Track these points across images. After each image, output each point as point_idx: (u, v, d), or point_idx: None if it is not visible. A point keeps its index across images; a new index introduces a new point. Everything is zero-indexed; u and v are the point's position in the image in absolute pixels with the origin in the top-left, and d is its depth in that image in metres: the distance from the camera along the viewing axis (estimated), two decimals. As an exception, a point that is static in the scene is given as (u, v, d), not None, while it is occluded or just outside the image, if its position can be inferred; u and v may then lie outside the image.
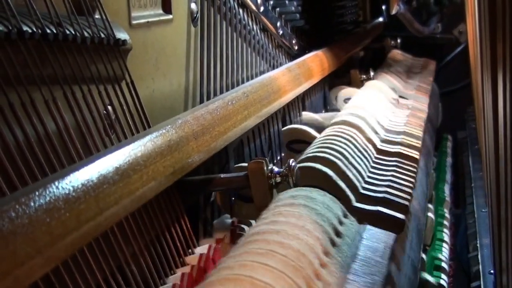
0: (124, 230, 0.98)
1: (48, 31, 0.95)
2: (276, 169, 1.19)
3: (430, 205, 2.17)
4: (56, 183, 0.73)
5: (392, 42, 3.54)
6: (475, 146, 3.02)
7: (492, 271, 1.94)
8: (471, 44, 2.63)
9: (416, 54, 3.55)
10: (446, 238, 2.14)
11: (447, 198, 2.51)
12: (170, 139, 1.02)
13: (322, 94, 2.47)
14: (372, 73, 2.51)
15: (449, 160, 3.08)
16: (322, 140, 1.52)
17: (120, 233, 0.97)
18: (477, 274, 2.03)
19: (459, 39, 3.93)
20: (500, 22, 1.36)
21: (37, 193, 0.69)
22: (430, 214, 2.01)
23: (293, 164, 1.20)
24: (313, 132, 1.79)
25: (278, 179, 1.19)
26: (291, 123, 1.95)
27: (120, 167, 0.86)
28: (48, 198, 0.70)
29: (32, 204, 0.67)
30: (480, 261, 2.07)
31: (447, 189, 2.64)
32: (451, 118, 3.43)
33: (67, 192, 0.73)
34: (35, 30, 0.93)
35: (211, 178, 1.23)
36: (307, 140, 1.74)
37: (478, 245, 2.18)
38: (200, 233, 1.29)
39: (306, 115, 2.06)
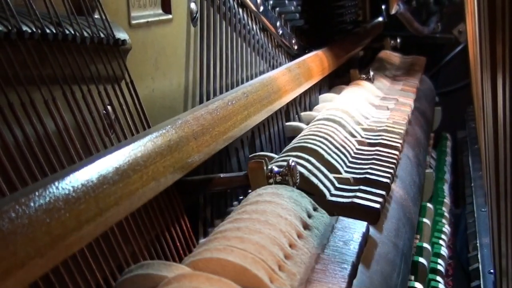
0: (124, 230, 0.98)
1: (48, 31, 0.96)
2: (276, 168, 1.19)
3: (429, 204, 2.18)
4: (56, 183, 0.73)
5: (392, 42, 3.54)
6: (475, 146, 3.02)
7: (491, 271, 1.94)
8: (471, 44, 2.63)
9: (415, 54, 3.55)
10: (445, 236, 2.14)
11: (447, 198, 2.51)
12: (170, 139, 1.02)
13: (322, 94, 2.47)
14: (371, 73, 2.51)
15: (448, 159, 3.08)
16: (299, 138, 1.53)
17: (120, 233, 0.97)
18: (476, 273, 2.03)
19: (459, 38, 3.93)
20: (500, 21, 1.36)
21: (37, 193, 0.69)
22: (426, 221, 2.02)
23: (293, 163, 1.20)
24: None
25: (278, 179, 1.19)
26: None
27: (120, 167, 0.86)
28: (48, 199, 0.70)
29: (32, 204, 0.67)
30: (479, 260, 2.07)
31: (446, 188, 2.64)
32: (450, 117, 3.43)
33: (67, 192, 0.73)
34: (34, 30, 0.93)
35: (211, 178, 1.23)
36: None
37: (477, 244, 2.17)
38: (200, 233, 1.29)
39: (306, 115, 2.06)
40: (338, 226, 1.06)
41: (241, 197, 1.45)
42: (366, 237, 1.04)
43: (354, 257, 0.95)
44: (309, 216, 1.06)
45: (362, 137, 1.72)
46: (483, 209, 2.38)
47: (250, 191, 1.18)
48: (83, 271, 0.86)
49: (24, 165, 0.86)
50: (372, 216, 1.25)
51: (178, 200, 1.17)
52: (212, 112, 1.21)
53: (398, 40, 3.57)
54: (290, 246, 0.94)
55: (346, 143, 1.59)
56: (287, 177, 1.19)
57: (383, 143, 1.65)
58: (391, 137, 1.71)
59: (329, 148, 1.48)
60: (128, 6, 1.27)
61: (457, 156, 3.31)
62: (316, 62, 2.12)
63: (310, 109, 2.18)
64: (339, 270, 0.91)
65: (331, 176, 1.37)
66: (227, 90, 1.61)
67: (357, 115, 1.85)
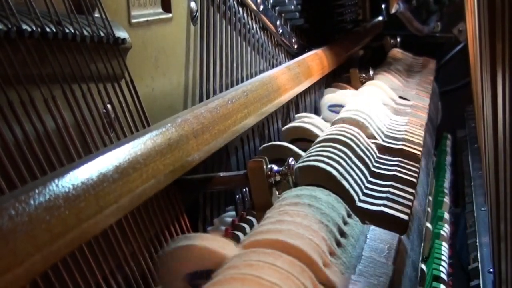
0: (123, 228, 0.98)
1: (48, 30, 0.96)
2: (275, 167, 1.19)
3: (428, 209, 2.17)
4: (56, 181, 0.73)
5: (392, 41, 3.54)
6: (475, 145, 3.02)
7: (491, 270, 1.94)
8: (471, 43, 2.63)
9: (415, 53, 3.55)
10: (445, 236, 2.14)
11: (447, 197, 2.51)
12: (170, 137, 1.02)
13: (322, 93, 2.47)
14: (371, 72, 2.51)
15: (448, 159, 3.08)
16: (324, 140, 1.51)
17: (120, 232, 0.97)
18: (476, 272, 2.03)
19: (459, 38, 3.93)
20: (500, 20, 1.36)
21: (37, 191, 0.69)
22: (428, 225, 2.02)
23: (293, 163, 1.20)
24: (315, 130, 1.78)
25: (278, 178, 1.19)
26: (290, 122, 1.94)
27: (120, 166, 0.86)
28: (48, 196, 0.70)
29: (32, 202, 0.67)
30: (479, 259, 2.07)
31: (446, 188, 2.64)
32: (450, 117, 3.43)
33: (67, 190, 0.73)
34: (34, 29, 0.93)
35: (211, 177, 1.23)
36: (309, 138, 1.73)
37: (477, 244, 2.17)
38: (199, 232, 1.29)
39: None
40: (371, 236, 1.06)
41: (238, 196, 1.45)
42: (398, 249, 1.05)
43: (391, 269, 0.96)
44: (345, 223, 1.06)
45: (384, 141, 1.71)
46: (483, 208, 2.38)
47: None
48: (83, 269, 0.86)
49: (24, 164, 0.86)
50: (401, 227, 1.25)
51: (178, 199, 1.17)
52: (212, 111, 1.21)
53: (398, 39, 3.56)
54: (330, 254, 0.93)
55: (369, 150, 1.58)
56: (287, 176, 1.19)
57: (404, 150, 1.64)
58: (411, 146, 1.70)
59: (353, 156, 1.47)
60: (128, 5, 1.27)
61: (457, 155, 3.30)
62: (316, 61, 2.12)
63: (310, 108, 2.18)
64: (376, 283, 0.91)
65: (359, 179, 1.37)
66: (227, 89, 1.61)
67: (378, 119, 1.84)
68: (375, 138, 1.67)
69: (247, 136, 1.58)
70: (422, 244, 1.94)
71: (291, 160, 1.20)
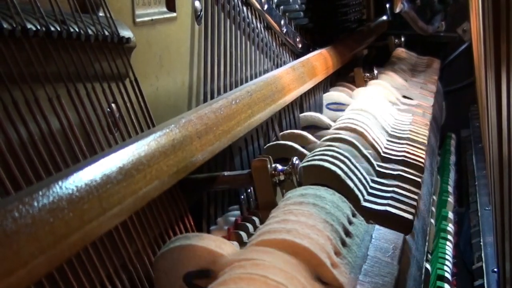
0: (127, 228, 0.98)
1: (52, 28, 0.96)
2: (279, 167, 1.19)
3: (432, 208, 2.17)
4: (60, 183, 0.73)
5: (396, 41, 3.54)
6: (479, 145, 3.02)
7: (495, 270, 1.94)
8: (475, 43, 2.63)
9: (420, 53, 3.55)
10: (450, 236, 2.14)
11: (451, 197, 2.51)
12: (174, 138, 1.02)
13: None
14: (376, 72, 2.50)
15: (452, 158, 3.08)
16: (328, 140, 1.52)
17: (124, 231, 0.97)
18: (480, 272, 2.03)
19: (463, 37, 3.92)
20: (504, 20, 1.36)
21: (40, 193, 0.69)
22: (432, 221, 2.01)
23: (297, 162, 1.20)
24: (326, 119, 1.82)
25: (282, 177, 1.19)
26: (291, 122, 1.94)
27: (124, 167, 0.86)
28: (51, 198, 0.70)
29: (35, 204, 0.67)
30: (483, 259, 2.07)
31: (450, 187, 2.64)
32: (455, 116, 3.43)
33: (70, 192, 0.73)
34: (39, 27, 0.93)
35: (215, 176, 1.23)
36: (320, 126, 1.76)
37: (481, 243, 2.17)
38: (203, 231, 1.28)
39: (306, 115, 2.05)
40: (376, 236, 1.06)
41: (242, 196, 1.45)
42: (402, 249, 1.05)
43: (396, 269, 0.96)
44: (350, 222, 1.06)
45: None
46: (487, 208, 2.38)
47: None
48: (87, 269, 0.86)
49: (29, 163, 0.86)
50: (406, 226, 1.25)
51: (182, 198, 1.17)
52: (216, 111, 1.21)
53: (402, 39, 3.56)
54: (336, 253, 0.93)
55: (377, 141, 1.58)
56: (291, 175, 1.18)
57: (409, 150, 1.64)
58: (415, 146, 1.70)
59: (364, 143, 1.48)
60: (132, 4, 1.27)
61: (461, 155, 3.30)
62: (320, 61, 2.12)
63: (315, 108, 2.18)
64: (381, 283, 0.91)
65: (364, 179, 1.37)
66: (231, 88, 1.61)
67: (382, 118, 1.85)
68: (377, 141, 1.68)
69: (251, 137, 1.58)
70: (427, 244, 1.95)
71: (295, 160, 1.20)
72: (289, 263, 0.82)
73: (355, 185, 1.31)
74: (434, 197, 2.22)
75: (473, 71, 2.97)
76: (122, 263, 0.96)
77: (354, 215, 1.10)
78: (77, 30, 1.02)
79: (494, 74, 1.58)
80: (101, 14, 1.12)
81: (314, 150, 1.45)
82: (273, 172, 1.19)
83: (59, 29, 0.97)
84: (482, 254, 2.10)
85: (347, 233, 1.02)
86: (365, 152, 1.48)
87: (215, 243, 0.86)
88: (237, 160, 1.49)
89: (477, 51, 2.55)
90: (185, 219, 1.17)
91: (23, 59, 0.90)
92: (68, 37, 1.00)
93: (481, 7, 1.96)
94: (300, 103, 2.03)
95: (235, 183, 1.24)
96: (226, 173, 1.24)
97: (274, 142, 1.61)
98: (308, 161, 1.34)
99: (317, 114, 1.92)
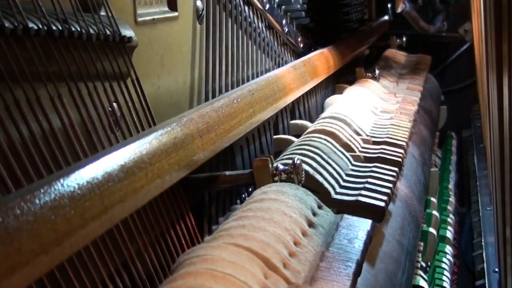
0: (129, 226, 0.98)
1: (54, 27, 0.96)
2: (281, 166, 1.19)
3: (435, 213, 2.17)
4: (61, 180, 0.73)
5: (398, 41, 3.54)
6: (480, 145, 3.02)
7: (496, 270, 1.95)
8: (477, 43, 2.63)
9: (421, 53, 3.55)
10: (450, 235, 2.14)
11: (452, 196, 2.51)
12: (175, 136, 1.02)
13: (327, 93, 2.47)
14: (377, 71, 2.50)
15: (454, 158, 3.08)
16: (301, 141, 1.52)
17: (125, 230, 0.97)
18: (481, 272, 2.03)
19: (465, 37, 3.93)
20: (506, 20, 1.36)
21: (42, 190, 0.69)
22: (432, 230, 2.02)
23: (298, 161, 1.20)
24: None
25: (283, 177, 1.19)
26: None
27: (125, 165, 0.86)
28: (53, 196, 0.70)
29: (37, 201, 0.67)
30: (484, 259, 2.07)
31: (452, 187, 2.64)
32: (456, 116, 3.43)
33: (72, 189, 0.73)
34: (41, 26, 0.93)
35: (217, 176, 1.23)
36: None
37: (482, 243, 2.18)
38: (204, 231, 1.29)
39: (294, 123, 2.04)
40: (343, 224, 1.06)
41: (244, 195, 1.45)
42: (371, 235, 1.04)
43: (359, 255, 0.95)
44: (314, 214, 1.06)
45: (367, 135, 1.72)
46: (488, 208, 2.38)
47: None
48: (88, 268, 0.86)
49: (30, 162, 0.86)
50: (377, 214, 1.25)
51: (183, 198, 1.17)
52: (218, 110, 1.21)
53: (404, 39, 3.56)
54: (295, 243, 0.94)
55: (351, 140, 1.59)
56: (292, 175, 1.19)
57: (388, 142, 1.65)
58: (396, 136, 1.70)
59: (337, 143, 1.48)
60: (134, 3, 1.27)
61: (462, 155, 3.30)
62: (321, 60, 2.12)
63: (316, 107, 2.18)
64: (344, 268, 0.91)
65: (336, 173, 1.37)
66: (232, 88, 1.61)
67: (360, 117, 1.85)
68: (358, 134, 1.69)
69: (253, 135, 1.58)
70: (423, 245, 1.95)
71: (296, 159, 1.20)
72: (241, 256, 0.83)
73: (325, 179, 1.32)
74: (434, 199, 2.23)
75: (475, 71, 2.97)
76: (123, 262, 0.96)
77: (320, 207, 1.10)
78: (78, 29, 1.02)
79: (495, 74, 1.58)
80: (102, 13, 1.12)
81: (286, 149, 1.47)
82: (275, 171, 1.19)
83: (60, 28, 0.97)
84: (484, 254, 2.10)
85: (310, 224, 1.02)
86: (338, 148, 1.49)
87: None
88: (239, 159, 1.49)
89: (478, 51, 2.55)
90: (186, 218, 1.18)
91: (25, 58, 0.90)
92: (69, 36, 1.00)
93: (483, 7, 1.96)
94: (302, 102, 2.04)
95: (236, 182, 1.24)
96: (227, 173, 1.24)
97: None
98: (280, 159, 1.36)
99: (306, 122, 1.91)
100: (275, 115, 1.74)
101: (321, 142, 1.45)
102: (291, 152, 1.41)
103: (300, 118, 2.01)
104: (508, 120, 1.38)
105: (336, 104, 1.97)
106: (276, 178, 1.19)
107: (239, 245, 0.85)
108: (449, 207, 2.40)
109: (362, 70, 2.52)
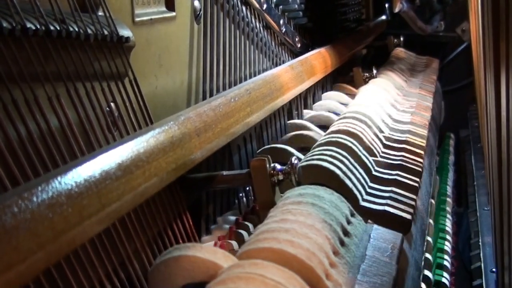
0: (126, 226, 0.99)
1: (52, 28, 0.96)
2: (278, 166, 1.19)
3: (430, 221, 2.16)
4: (59, 178, 0.73)
5: (395, 40, 3.54)
6: (478, 145, 3.02)
7: (494, 270, 1.95)
8: (474, 43, 2.63)
9: (419, 52, 3.55)
10: (448, 234, 2.14)
11: (449, 197, 2.51)
12: (173, 135, 1.03)
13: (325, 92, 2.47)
14: (375, 71, 2.51)
15: (451, 158, 3.08)
16: (326, 141, 1.51)
17: (122, 229, 0.97)
18: (479, 272, 2.03)
19: (462, 37, 3.92)
20: (503, 20, 1.36)
21: (39, 188, 0.69)
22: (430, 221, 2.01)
23: (296, 162, 1.20)
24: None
25: (281, 177, 1.19)
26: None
27: (123, 163, 0.86)
28: (50, 193, 0.70)
29: (34, 199, 0.68)
30: (482, 259, 2.07)
31: (449, 187, 2.64)
32: (453, 116, 3.43)
33: (69, 187, 0.73)
34: (38, 27, 0.93)
35: (214, 175, 1.23)
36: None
37: (480, 243, 2.17)
38: (202, 230, 1.29)
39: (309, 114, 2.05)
40: (374, 235, 1.06)
41: (241, 195, 1.45)
42: (401, 249, 1.05)
43: (394, 270, 0.96)
44: (348, 222, 1.06)
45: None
46: (485, 208, 2.38)
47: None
48: (85, 267, 0.87)
49: (28, 161, 0.86)
50: (404, 226, 1.25)
51: (181, 197, 1.17)
52: (215, 109, 1.21)
53: (401, 39, 3.56)
54: (334, 253, 0.93)
55: (373, 144, 1.58)
56: (290, 175, 1.19)
57: (407, 149, 1.64)
58: (414, 143, 1.70)
59: (360, 146, 1.48)
60: (132, 3, 1.27)
61: (459, 155, 3.30)
62: (319, 60, 2.12)
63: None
64: (379, 283, 0.91)
65: (362, 179, 1.36)
66: (230, 87, 1.61)
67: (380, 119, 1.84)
68: (376, 141, 1.67)
69: (250, 135, 1.58)
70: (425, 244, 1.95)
71: (294, 159, 1.20)
72: (289, 264, 0.82)
73: (354, 184, 1.31)
74: (433, 201, 2.22)
75: (472, 71, 2.97)
76: (120, 261, 0.96)
77: (352, 215, 1.10)
78: (76, 29, 1.02)
79: (493, 74, 1.58)
80: (100, 13, 1.12)
81: (313, 150, 1.45)
82: (272, 171, 1.19)
83: (58, 28, 0.98)
84: (481, 254, 2.10)
85: (346, 233, 1.01)
86: (362, 152, 1.48)
87: (215, 255, 0.84)
88: (236, 158, 1.49)
89: (476, 51, 2.55)
90: (183, 218, 1.18)
91: (23, 58, 0.90)
92: (67, 36, 1.00)
93: (480, 7, 1.96)
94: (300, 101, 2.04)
95: (234, 182, 1.24)
96: (225, 173, 1.24)
97: (269, 146, 1.60)
98: (306, 160, 1.34)
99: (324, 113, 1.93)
100: (272, 115, 1.74)
101: (346, 145, 1.44)
102: (320, 152, 1.38)
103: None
104: (506, 119, 1.39)
105: (355, 102, 1.95)
106: (274, 179, 1.19)
107: (286, 251, 0.84)
108: (447, 208, 2.40)
109: (360, 69, 2.53)
